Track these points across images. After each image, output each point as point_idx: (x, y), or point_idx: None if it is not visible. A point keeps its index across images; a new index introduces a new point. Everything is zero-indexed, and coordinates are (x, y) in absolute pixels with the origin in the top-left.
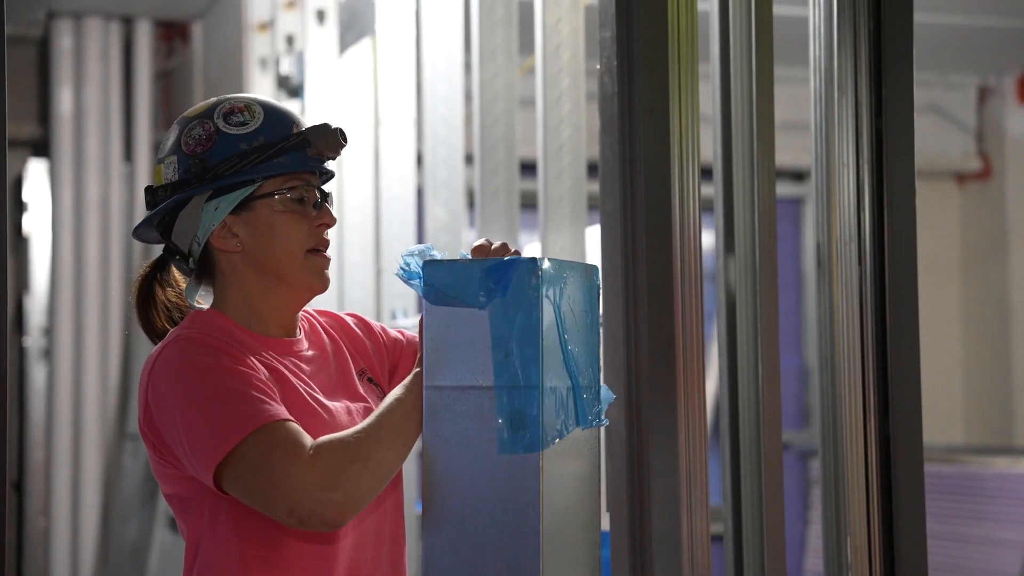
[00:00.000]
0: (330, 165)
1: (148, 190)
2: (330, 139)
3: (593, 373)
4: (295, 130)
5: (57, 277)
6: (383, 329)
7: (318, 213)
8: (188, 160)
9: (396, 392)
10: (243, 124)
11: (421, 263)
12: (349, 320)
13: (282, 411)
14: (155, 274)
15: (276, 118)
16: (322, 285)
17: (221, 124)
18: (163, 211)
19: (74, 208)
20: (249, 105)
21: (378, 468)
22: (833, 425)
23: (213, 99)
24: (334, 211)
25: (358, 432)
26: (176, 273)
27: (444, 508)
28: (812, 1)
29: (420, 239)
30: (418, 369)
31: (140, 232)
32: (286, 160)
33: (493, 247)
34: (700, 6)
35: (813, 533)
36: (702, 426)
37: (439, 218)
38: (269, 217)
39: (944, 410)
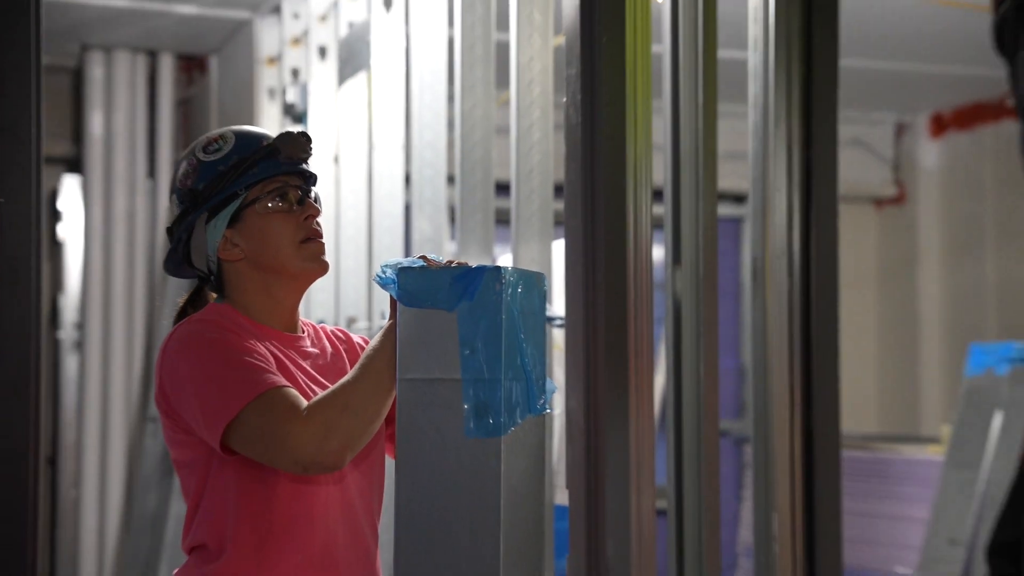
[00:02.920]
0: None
1: (167, 231)
2: (296, 143)
3: (541, 367)
4: (264, 143)
5: (88, 278)
6: (366, 343)
7: (302, 208)
8: (182, 193)
9: (372, 344)
10: (218, 150)
11: (396, 268)
12: (355, 338)
13: (280, 379)
14: (189, 301)
15: (246, 138)
16: (320, 268)
17: (201, 155)
18: (179, 244)
19: (103, 218)
20: (223, 134)
21: (365, 414)
22: (764, 416)
23: (206, 136)
24: (320, 206)
25: (344, 385)
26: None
27: (416, 484)
28: (751, 46)
29: (407, 250)
30: (391, 321)
31: (169, 268)
32: (259, 169)
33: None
34: (653, 48)
35: (746, 509)
36: (650, 416)
37: (424, 231)
38: (259, 221)
39: (859, 403)
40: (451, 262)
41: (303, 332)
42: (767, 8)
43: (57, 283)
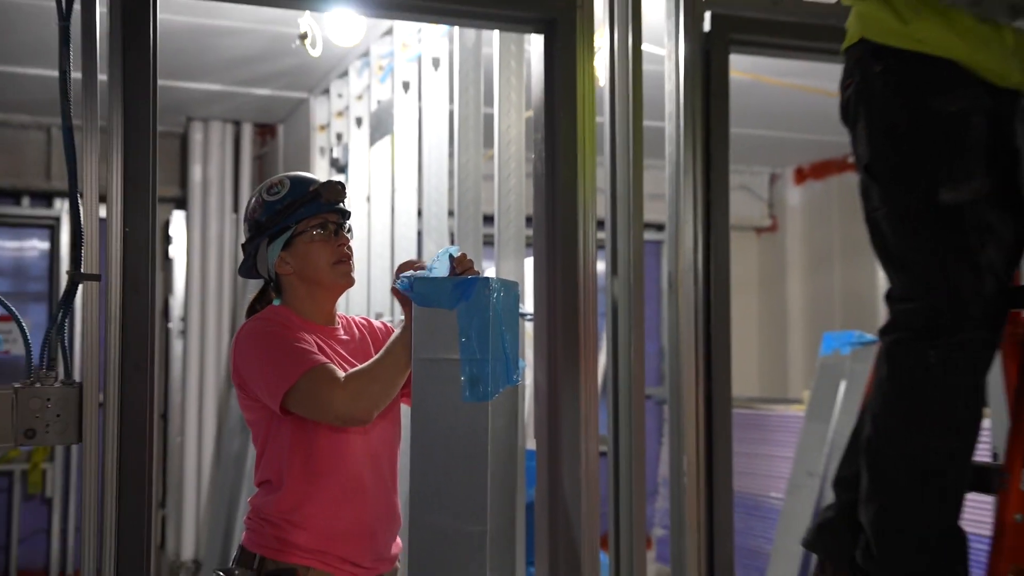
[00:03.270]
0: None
1: (242, 247)
2: (333, 189)
3: (515, 350)
4: (311, 188)
5: (189, 285)
6: (385, 327)
7: (337, 237)
8: (251, 223)
9: (393, 337)
10: (277, 193)
11: (411, 279)
12: (376, 324)
13: (323, 358)
14: (260, 295)
15: (298, 183)
16: (347, 283)
17: (265, 196)
18: (248, 258)
19: (200, 241)
20: (281, 180)
21: (386, 383)
22: (677, 384)
23: (267, 181)
24: (351, 236)
25: (373, 362)
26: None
27: (427, 435)
28: (667, 119)
29: None
30: (405, 323)
31: (243, 273)
32: (306, 209)
33: (467, 258)
34: (597, 120)
35: (664, 451)
36: (594, 385)
37: (431, 251)
38: (305, 247)
39: (745, 375)
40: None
41: (338, 324)
42: (678, 92)
43: (168, 288)
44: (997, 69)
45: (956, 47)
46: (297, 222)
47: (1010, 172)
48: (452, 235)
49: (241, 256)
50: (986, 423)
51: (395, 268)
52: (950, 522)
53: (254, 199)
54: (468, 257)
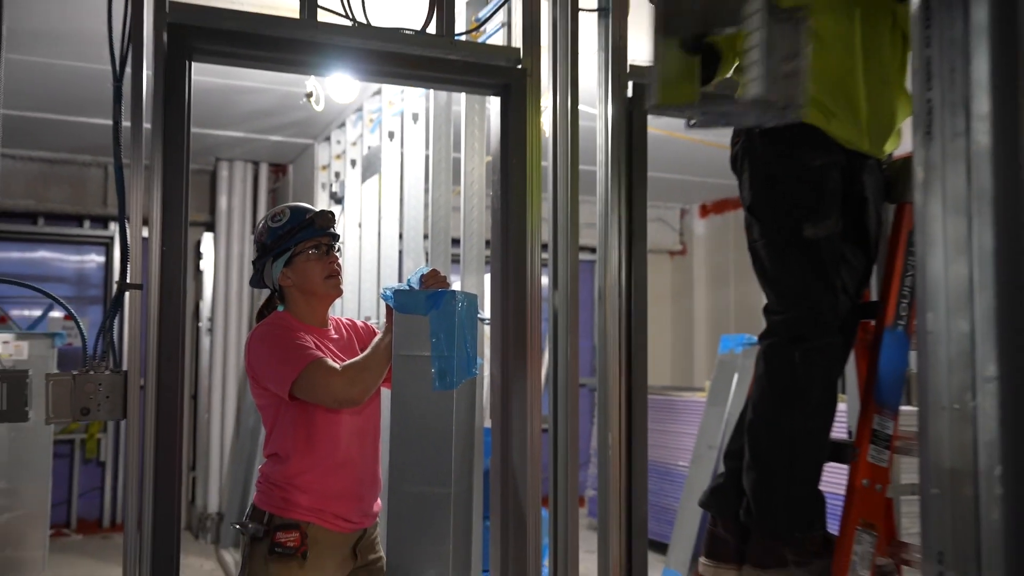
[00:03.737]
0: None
1: (252, 264)
2: (325, 218)
3: (474, 348)
4: (307, 216)
5: (215, 292)
6: (366, 326)
7: (328, 256)
8: (258, 245)
9: (378, 337)
10: (279, 220)
11: (392, 291)
12: (359, 323)
13: (320, 354)
14: (267, 302)
15: (297, 212)
16: (336, 293)
17: (269, 223)
18: (257, 273)
19: (224, 258)
20: (283, 209)
21: (375, 372)
22: (604, 375)
23: (272, 210)
24: (341, 255)
25: (363, 356)
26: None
27: (404, 418)
28: (598, 164)
29: (400, 277)
30: (388, 326)
31: (253, 284)
32: (304, 234)
33: (439, 274)
34: (543, 164)
35: (595, 429)
36: (539, 376)
37: (408, 267)
38: (303, 264)
39: (659, 368)
40: (432, 272)
41: (330, 326)
42: (607, 143)
43: (199, 294)
44: (848, 138)
45: (817, 119)
46: (296, 244)
47: (860, 215)
48: (427, 254)
49: (251, 271)
50: (843, 407)
51: (383, 283)
52: (812, 486)
53: (261, 225)
54: (440, 273)
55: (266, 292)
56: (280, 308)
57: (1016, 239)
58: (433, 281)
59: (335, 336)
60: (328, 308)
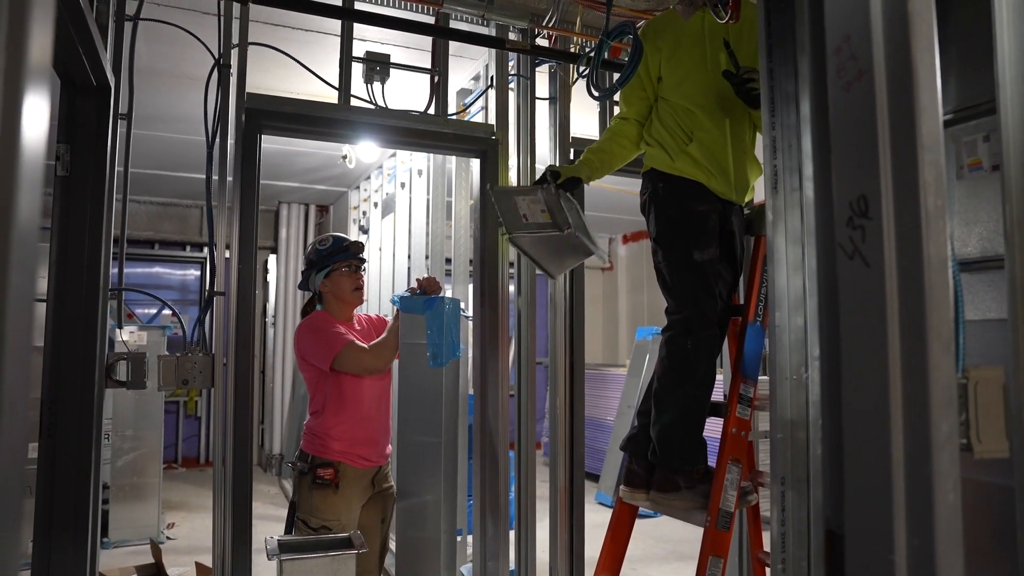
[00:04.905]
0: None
1: (302, 272)
2: (357, 246)
3: (458, 338)
4: (344, 244)
5: (277, 297)
6: (379, 318)
7: (356, 274)
8: (307, 261)
9: (389, 327)
10: (325, 244)
11: (399, 297)
12: (373, 317)
13: (352, 338)
14: (309, 303)
15: (337, 240)
16: (359, 301)
17: (317, 246)
18: (304, 281)
19: (284, 273)
20: (326, 237)
21: (391, 351)
22: (553, 355)
23: (319, 236)
24: (365, 272)
25: (381, 339)
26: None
27: (408, 388)
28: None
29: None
30: (395, 321)
31: (300, 286)
32: (340, 256)
33: (435, 280)
34: None
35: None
36: (507, 357)
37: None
38: (338, 278)
39: (593, 350)
40: (430, 278)
41: (354, 320)
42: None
43: (266, 299)
44: (722, 190)
45: (699, 176)
46: (334, 262)
47: (730, 245)
48: (428, 269)
49: (300, 278)
50: (720, 378)
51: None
52: (699, 434)
53: (310, 247)
54: (436, 281)
55: (308, 294)
56: (319, 307)
57: (832, 261)
58: (430, 283)
59: (358, 328)
60: (353, 309)
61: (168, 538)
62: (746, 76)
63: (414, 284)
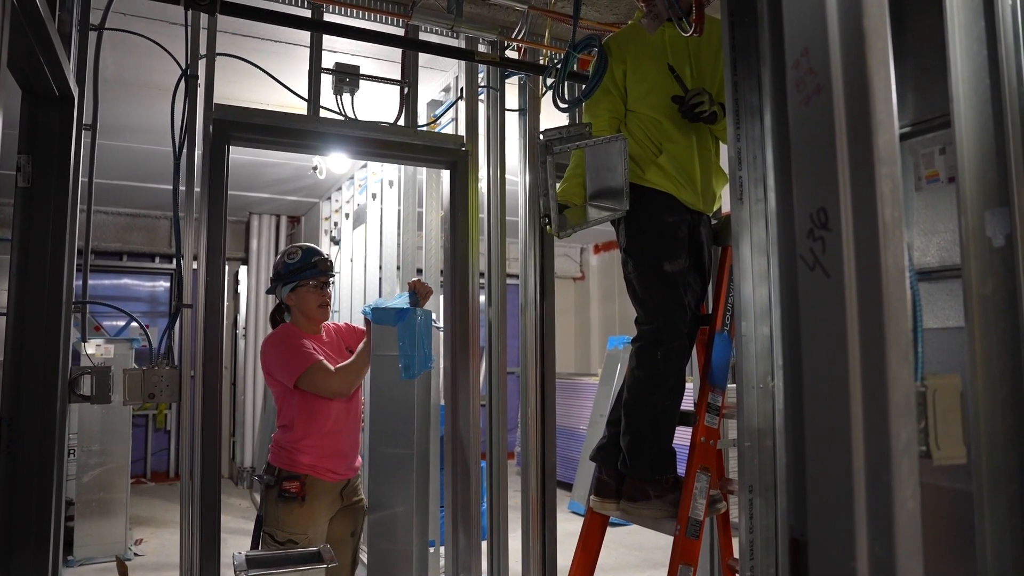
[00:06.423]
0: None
1: (271, 280)
2: (325, 262)
3: (429, 349)
4: (313, 259)
5: (248, 309)
6: (348, 326)
7: (322, 291)
8: (275, 273)
9: (361, 344)
10: (293, 258)
11: (371, 308)
12: (341, 325)
13: (319, 356)
14: (275, 313)
15: (306, 253)
16: (324, 317)
17: (285, 259)
18: (273, 291)
19: (255, 284)
20: (294, 249)
21: (360, 371)
22: (525, 365)
23: (289, 246)
24: (332, 287)
25: (351, 361)
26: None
27: (379, 400)
28: (520, 216)
29: (380, 296)
30: (368, 335)
31: (268, 291)
32: (308, 272)
33: (425, 284)
34: (480, 215)
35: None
36: (478, 366)
37: (386, 291)
38: (304, 293)
39: (565, 359)
40: (423, 283)
41: (322, 332)
42: (525, 201)
43: (237, 310)
44: (691, 201)
45: (669, 188)
46: (301, 278)
47: (698, 255)
48: (399, 281)
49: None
50: (689, 387)
51: (367, 302)
52: (667, 444)
53: (278, 259)
54: (427, 286)
55: (276, 299)
56: (287, 317)
57: (793, 272)
58: (422, 287)
59: (326, 340)
60: (320, 324)
61: (136, 554)
62: (692, 102)
63: (405, 297)
